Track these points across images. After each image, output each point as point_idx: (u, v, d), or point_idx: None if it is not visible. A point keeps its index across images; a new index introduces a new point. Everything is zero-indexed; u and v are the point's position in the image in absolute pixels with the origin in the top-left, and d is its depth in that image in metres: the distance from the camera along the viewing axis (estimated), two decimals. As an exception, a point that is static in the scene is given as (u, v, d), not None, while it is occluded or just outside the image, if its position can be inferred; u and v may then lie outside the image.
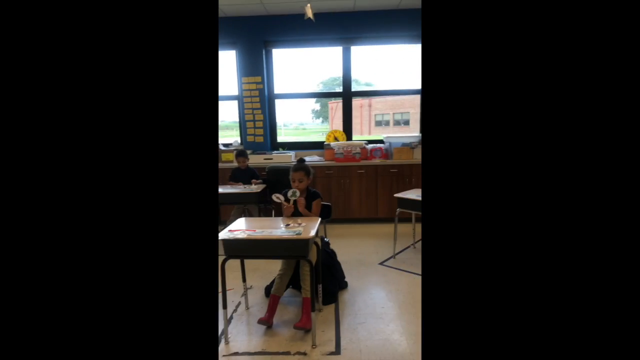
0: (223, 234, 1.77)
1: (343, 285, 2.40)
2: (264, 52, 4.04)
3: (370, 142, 4.10)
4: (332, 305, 2.18)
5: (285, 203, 2.13)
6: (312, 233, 1.82)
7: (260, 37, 3.98)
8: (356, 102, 4.38)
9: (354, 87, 4.26)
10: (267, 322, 1.90)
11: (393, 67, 4.55)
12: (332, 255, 2.42)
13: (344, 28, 3.92)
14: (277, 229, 1.89)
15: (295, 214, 2.15)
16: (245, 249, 1.80)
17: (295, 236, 1.77)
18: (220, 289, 1.80)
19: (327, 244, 2.47)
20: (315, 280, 1.97)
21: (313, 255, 1.99)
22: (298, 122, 5.62)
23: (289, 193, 2.12)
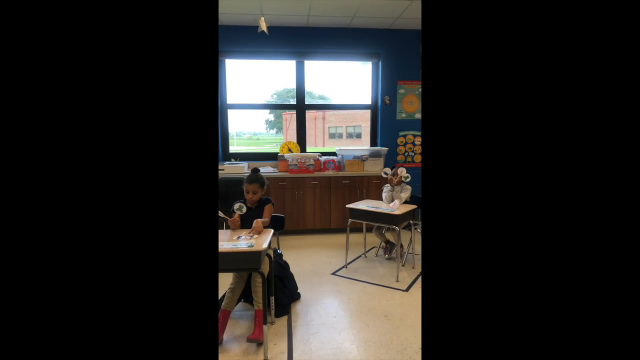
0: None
1: (296, 296, 2.40)
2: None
3: (323, 154, 4.18)
4: (285, 318, 2.18)
5: (229, 218, 2.09)
6: (265, 245, 1.82)
7: (213, 46, 3.93)
8: (311, 114, 4.46)
9: (308, 100, 4.35)
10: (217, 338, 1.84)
11: (346, 82, 4.73)
12: (284, 266, 2.42)
13: (297, 42, 4.01)
14: (229, 241, 1.86)
15: (244, 226, 2.12)
16: (194, 263, 1.74)
17: (247, 248, 1.76)
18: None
19: (280, 255, 2.47)
20: (268, 293, 1.96)
21: (265, 267, 1.98)
22: (252, 132, 5.57)
23: (236, 206, 2.08)
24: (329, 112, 6.80)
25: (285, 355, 1.80)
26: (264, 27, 3.23)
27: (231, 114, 4.25)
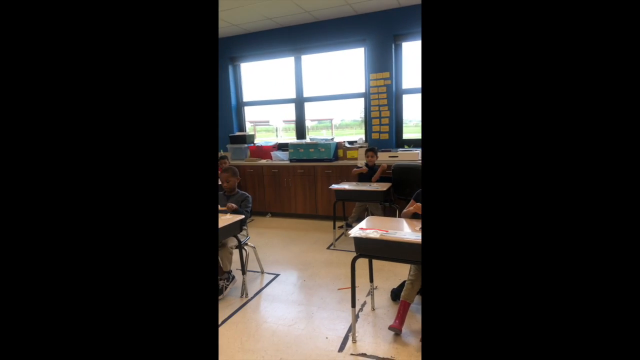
0: (354, 232, 1.75)
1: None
2: (393, 47, 3.92)
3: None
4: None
5: (412, 206, 1.98)
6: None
7: (390, 31, 3.87)
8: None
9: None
10: (397, 329, 1.80)
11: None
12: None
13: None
14: (411, 231, 1.77)
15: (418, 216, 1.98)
16: (376, 248, 1.73)
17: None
18: (349, 286, 1.80)
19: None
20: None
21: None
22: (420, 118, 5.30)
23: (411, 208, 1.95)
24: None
25: (471, 366, 1.60)
26: None
27: (405, 100, 4.12)
